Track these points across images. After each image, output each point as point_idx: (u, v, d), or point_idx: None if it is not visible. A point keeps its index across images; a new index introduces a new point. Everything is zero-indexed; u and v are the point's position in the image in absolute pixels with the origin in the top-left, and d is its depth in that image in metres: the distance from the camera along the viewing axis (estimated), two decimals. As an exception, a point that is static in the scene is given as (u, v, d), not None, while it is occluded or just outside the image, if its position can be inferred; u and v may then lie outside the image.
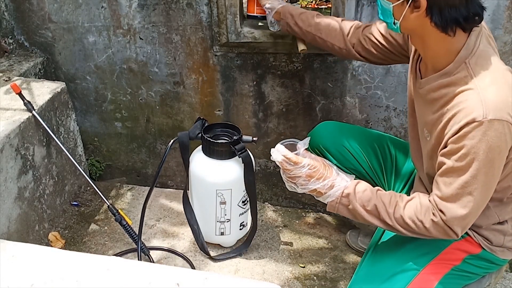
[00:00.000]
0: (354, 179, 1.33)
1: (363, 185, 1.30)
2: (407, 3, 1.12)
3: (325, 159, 1.35)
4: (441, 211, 1.19)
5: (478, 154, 1.10)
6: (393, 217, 1.24)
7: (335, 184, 1.29)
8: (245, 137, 1.65)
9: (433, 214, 1.20)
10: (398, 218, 1.23)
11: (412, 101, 1.38)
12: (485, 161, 1.11)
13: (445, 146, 1.17)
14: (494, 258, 1.34)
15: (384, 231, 1.46)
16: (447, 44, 1.16)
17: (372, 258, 1.40)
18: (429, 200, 1.23)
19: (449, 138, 1.14)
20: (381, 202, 1.25)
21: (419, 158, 1.39)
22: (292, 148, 1.36)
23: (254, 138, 1.64)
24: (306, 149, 1.37)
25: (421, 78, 1.28)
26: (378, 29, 1.48)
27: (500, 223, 1.33)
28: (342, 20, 1.59)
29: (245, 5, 1.92)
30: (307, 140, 1.36)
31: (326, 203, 1.33)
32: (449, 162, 1.16)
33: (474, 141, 1.10)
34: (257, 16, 1.88)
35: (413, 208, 1.22)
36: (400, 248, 1.37)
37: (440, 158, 1.20)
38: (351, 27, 1.55)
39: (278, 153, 1.32)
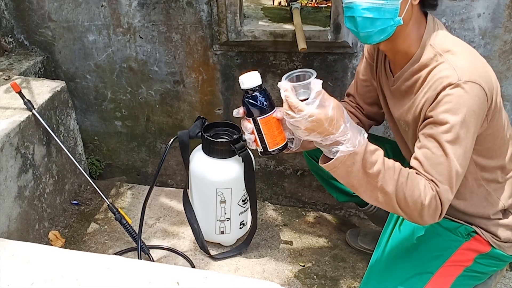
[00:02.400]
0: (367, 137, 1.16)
1: (372, 146, 1.14)
2: None
3: (340, 107, 1.11)
4: (432, 181, 1.16)
5: (457, 117, 1.13)
6: (396, 184, 1.14)
7: (341, 141, 1.09)
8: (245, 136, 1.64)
9: (431, 187, 1.15)
10: (400, 187, 1.13)
11: (386, 105, 1.42)
12: (464, 124, 1.13)
13: (424, 119, 1.20)
14: (502, 255, 1.35)
15: (391, 233, 1.46)
16: (418, 29, 1.24)
17: (383, 261, 1.39)
18: (418, 174, 1.19)
19: (427, 108, 1.18)
20: (386, 166, 1.14)
21: (409, 158, 1.37)
22: (303, 80, 1.15)
23: (254, 137, 1.63)
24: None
25: (393, 76, 1.34)
26: (358, 76, 1.54)
27: (505, 214, 1.35)
28: None
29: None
30: (317, 84, 1.10)
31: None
32: (427, 131, 1.18)
33: (452, 104, 1.13)
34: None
35: (413, 180, 1.15)
36: (412, 251, 1.36)
37: (420, 133, 1.20)
38: (345, 101, 1.61)
39: (283, 90, 1.13)
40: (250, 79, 1.28)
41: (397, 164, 1.17)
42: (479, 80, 1.14)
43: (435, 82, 1.17)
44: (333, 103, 1.09)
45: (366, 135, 1.14)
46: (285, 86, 1.13)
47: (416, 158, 1.21)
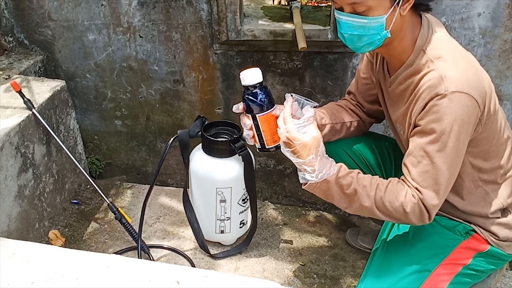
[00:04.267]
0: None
1: (344, 170, 1.26)
2: (398, 6, 1.16)
3: (318, 140, 1.22)
4: (417, 189, 1.21)
5: (444, 127, 1.15)
6: (374, 199, 1.23)
7: (308, 171, 1.22)
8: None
9: (412, 195, 1.21)
10: (378, 200, 1.23)
11: (386, 106, 1.44)
12: (451, 134, 1.15)
13: (414, 127, 1.22)
14: (501, 254, 1.36)
15: (390, 230, 1.46)
16: (412, 33, 1.23)
17: (381, 259, 1.40)
18: (403, 181, 1.24)
19: (417, 116, 1.20)
20: (362, 185, 1.24)
21: None
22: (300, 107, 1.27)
23: (254, 136, 1.64)
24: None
25: (390, 77, 1.35)
26: (359, 74, 1.54)
27: (504, 213, 1.35)
28: (331, 103, 1.62)
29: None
30: (311, 111, 1.24)
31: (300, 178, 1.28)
32: (416, 140, 1.21)
33: (439, 114, 1.15)
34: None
35: (392, 191, 1.23)
36: (410, 248, 1.37)
37: (410, 140, 1.24)
38: (345, 99, 1.62)
39: (285, 102, 1.26)
40: (251, 76, 1.28)
41: (374, 179, 1.26)
42: (468, 89, 1.14)
43: (424, 91, 1.18)
44: (314, 134, 1.21)
45: (335, 166, 1.24)
46: (289, 99, 1.26)
47: (404, 165, 1.25)
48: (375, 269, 1.38)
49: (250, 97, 1.29)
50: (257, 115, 1.29)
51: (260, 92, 1.29)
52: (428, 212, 1.21)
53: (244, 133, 1.36)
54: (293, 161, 1.24)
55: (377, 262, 1.40)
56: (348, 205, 1.27)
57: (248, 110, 1.30)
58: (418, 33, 1.23)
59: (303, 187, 1.28)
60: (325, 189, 1.25)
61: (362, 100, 1.57)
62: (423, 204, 1.20)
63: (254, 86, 1.29)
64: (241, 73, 1.29)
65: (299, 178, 1.27)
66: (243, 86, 1.30)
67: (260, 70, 1.29)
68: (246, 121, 1.32)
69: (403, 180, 1.24)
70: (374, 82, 1.49)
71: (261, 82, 1.30)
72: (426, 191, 1.20)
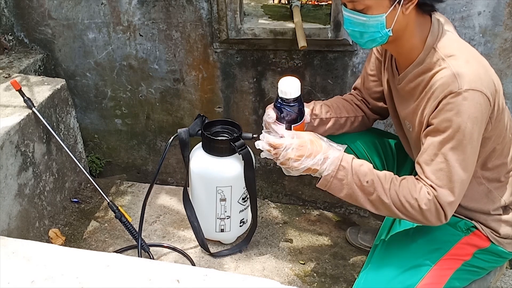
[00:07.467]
0: (346, 150, 1.29)
1: (359, 160, 1.28)
2: (399, 5, 1.17)
3: (312, 133, 1.30)
4: (431, 187, 1.21)
5: (458, 125, 1.15)
6: (389, 193, 1.22)
7: (329, 156, 1.24)
8: (245, 134, 1.64)
9: (427, 192, 1.21)
10: (393, 194, 1.22)
11: (392, 102, 1.44)
12: (465, 132, 1.15)
13: (427, 126, 1.22)
14: (501, 252, 1.36)
15: (391, 226, 1.46)
16: (421, 31, 1.23)
17: (382, 253, 1.40)
18: (417, 179, 1.24)
19: (430, 115, 1.20)
20: (377, 177, 1.24)
21: (412, 154, 1.44)
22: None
23: (254, 135, 1.64)
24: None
25: (399, 75, 1.34)
26: (366, 71, 1.54)
27: (505, 211, 1.35)
28: (337, 97, 1.63)
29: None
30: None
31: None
32: (429, 138, 1.21)
33: (452, 112, 1.15)
34: None
35: (407, 187, 1.22)
36: (411, 243, 1.37)
37: (423, 139, 1.24)
38: (351, 94, 1.62)
39: (262, 142, 1.28)
40: (292, 90, 1.27)
41: (388, 173, 1.26)
42: (480, 87, 1.14)
43: (437, 89, 1.18)
44: (306, 132, 1.27)
45: (345, 146, 1.29)
46: (264, 137, 1.30)
47: (418, 163, 1.25)
48: (376, 262, 1.39)
49: (288, 109, 1.27)
50: (293, 126, 1.29)
51: (299, 104, 1.29)
52: (443, 210, 1.21)
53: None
54: (315, 166, 1.25)
55: (378, 256, 1.40)
56: (364, 200, 1.26)
57: (283, 120, 1.30)
58: (428, 32, 1.23)
59: (317, 185, 1.28)
60: (342, 177, 1.24)
61: (367, 96, 1.57)
62: (438, 201, 1.20)
63: (295, 99, 1.28)
64: (281, 85, 1.26)
65: (323, 173, 1.26)
66: (281, 98, 1.28)
67: (299, 82, 1.27)
68: (279, 130, 1.31)
69: (417, 178, 1.24)
70: (381, 79, 1.49)
71: (300, 95, 1.29)
72: (441, 189, 1.19)
